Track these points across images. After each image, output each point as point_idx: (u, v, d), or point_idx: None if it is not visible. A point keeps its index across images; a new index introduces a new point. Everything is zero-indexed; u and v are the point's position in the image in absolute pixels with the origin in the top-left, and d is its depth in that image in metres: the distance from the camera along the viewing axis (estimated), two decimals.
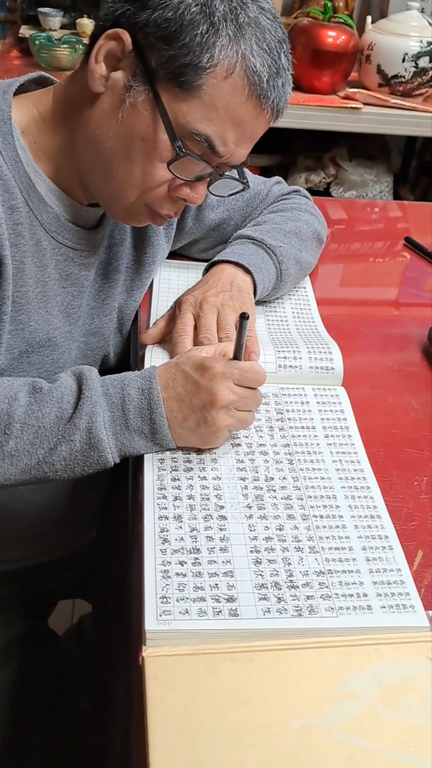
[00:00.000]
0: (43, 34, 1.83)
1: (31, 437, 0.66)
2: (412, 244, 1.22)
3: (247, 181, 0.80)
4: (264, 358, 0.83)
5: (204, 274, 0.92)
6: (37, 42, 1.80)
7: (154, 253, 0.94)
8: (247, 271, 0.89)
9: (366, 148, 2.18)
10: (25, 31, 1.92)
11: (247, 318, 0.69)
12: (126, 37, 0.68)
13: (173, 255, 1.04)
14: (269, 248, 0.93)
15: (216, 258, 0.92)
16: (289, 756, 0.48)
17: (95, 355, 0.92)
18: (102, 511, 1.04)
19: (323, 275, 1.10)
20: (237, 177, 0.78)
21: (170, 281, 0.99)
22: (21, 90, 0.78)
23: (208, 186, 0.76)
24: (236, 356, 0.72)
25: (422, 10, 2.02)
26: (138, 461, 0.72)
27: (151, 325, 0.88)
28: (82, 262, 0.82)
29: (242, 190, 0.81)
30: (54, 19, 1.87)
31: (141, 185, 0.73)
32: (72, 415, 0.67)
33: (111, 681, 0.87)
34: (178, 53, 0.67)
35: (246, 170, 0.82)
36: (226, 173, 0.76)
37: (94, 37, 0.71)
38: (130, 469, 0.74)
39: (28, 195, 0.74)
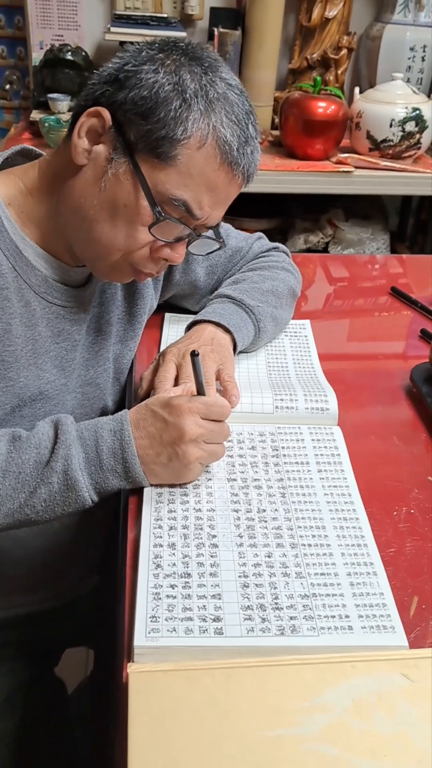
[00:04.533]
0: (52, 117, 1.97)
1: (12, 483, 0.71)
2: (397, 293, 1.28)
3: (223, 241, 0.86)
4: (262, 400, 0.88)
5: (186, 331, 0.99)
6: (46, 124, 1.94)
7: (144, 304, 1.00)
8: (227, 330, 0.95)
9: (362, 208, 2.28)
10: (35, 115, 2.06)
11: (197, 355, 0.75)
12: (106, 114, 0.75)
13: (177, 309, 1.11)
14: (248, 308, 0.99)
15: (198, 317, 0.98)
16: (263, 765, 0.51)
17: (93, 405, 0.96)
18: (104, 558, 1.07)
19: (319, 330, 1.15)
20: (213, 237, 0.85)
21: (179, 336, 1.05)
22: (8, 163, 0.85)
23: (187, 246, 0.82)
24: (199, 392, 0.77)
25: (408, 80, 2.15)
26: (129, 497, 0.76)
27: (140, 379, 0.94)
28: (72, 318, 0.88)
29: (219, 248, 0.87)
30: (62, 103, 2.01)
31: (125, 247, 0.79)
32: (49, 459, 0.72)
33: (111, 731, 0.89)
34: (154, 127, 0.73)
35: (227, 226, 0.87)
36: (203, 234, 0.83)
37: (76, 115, 0.78)
38: (121, 503, 0.78)
39: (15, 261, 0.80)
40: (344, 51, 2.27)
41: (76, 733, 1.01)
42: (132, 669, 0.56)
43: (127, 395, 0.98)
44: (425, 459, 0.86)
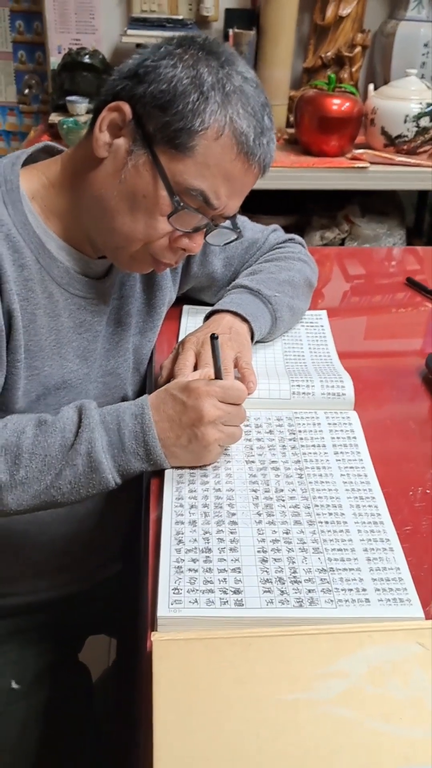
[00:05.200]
0: (71, 119, 2.00)
1: (39, 465, 0.73)
2: (412, 284, 1.29)
3: (240, 231, 0.88)
4: (279, 386, 0.90)
5: (204, 321, 1.00)
6: (65, 126, 1.97)
7: (163, 296, 1.02)
8: (244, 319, 0.97)
9: (378, 204, 2.29)
10: (54, 117, 2.10)
11: (216, 338, 0.77)
12: (126, 108, 0.78)
13: (195, 302, 1.13)
14: (265, 298, 1.01)
15: (216, 307, 1.00)
16: (279, 726, 0.53)
17: (114, 394, 0.99)
18: (126, 545, 1.10)
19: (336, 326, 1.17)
20: (231, 227, 0.87)
21: (198, 326, 1.07)
22: (31, 159, 0.88)
23: (205, 236, 0.84)
24: (217, 376, 0.79)
25: (422, 76, 2.15)
26: (151, 478, 0.79)
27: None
28: (93, 310, 0.91)
29: (236, 239, 0.89)
30: (80, 105, 2.05)
31: (145, 237, 0.81)
32: (74, 442, 0.74)
33: (133, 711, 0.92)
34: (172, 119, 0.76)
35: (243, 219, 0.88)
36: (220, 224, 0.85)
37: (97, 110, 0.81)
38: (143, 485, 0.80)
39: (39, 253, 0.83)
40: (358, 49, 2.29)
41: (101, 721, 1.03)
42: (155, 637, 0.59)
43: (148, 384, 1.01)
44: None
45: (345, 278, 1.39)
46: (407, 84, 2.03)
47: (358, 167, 2.00)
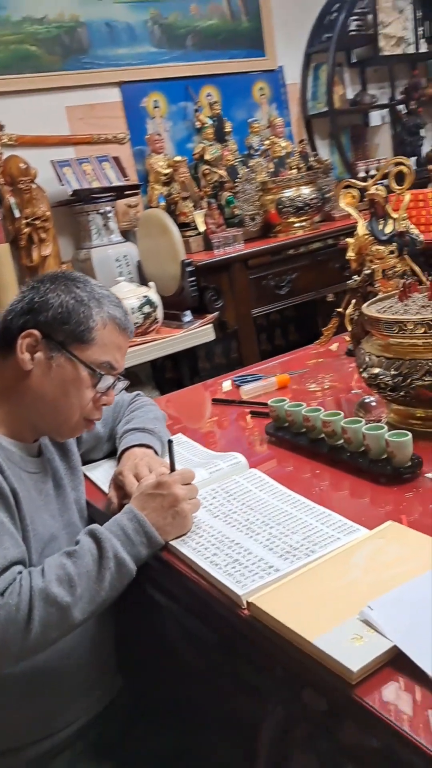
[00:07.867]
0: None
1: (86, 580, 1.02)
2: (218, 401, 1.78)
3: (126, 380, 1.29)
4: (198, 473, 1.27)
5: (119, 459, 1.36)
6: None
7: (76, 458, 1.35)
8: (149, 446, 1.36)
9: (130, 378, 2.81)
10: None
11: (172, 442, 1.16)
12: (36, 333, 1.14)
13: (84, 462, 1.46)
14: (150, 431, 1.40)
15: (124, 446, 1.36)
16: (342, 597, 0.89)
17: (75, 539, 1.27)
18: (119, 658, 1.31)
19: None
20: (120, 380, 1.26)
21: (106, 471, 1.40)
22: None
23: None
24: (172, 470, 1.17)
25: (131, 280, 2.80)
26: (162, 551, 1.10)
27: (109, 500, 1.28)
28: (43, 480, 1.21)
29: (126, 387, 1.30)
30: None
31: (80, 407, 1.17)
32: (102, 554, 1.05)
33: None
34: (73, 327, 1.15)
35: None
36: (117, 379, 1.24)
37: (4, 340, 1.16)
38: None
39: (2, 450, 1.14)
40: None
41: None
42: (253, 599, 0.91)
43: (99, 519, 1.30)
44: (305, 467, 1.32)
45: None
46: (122, 288, 2.65)
47: None
